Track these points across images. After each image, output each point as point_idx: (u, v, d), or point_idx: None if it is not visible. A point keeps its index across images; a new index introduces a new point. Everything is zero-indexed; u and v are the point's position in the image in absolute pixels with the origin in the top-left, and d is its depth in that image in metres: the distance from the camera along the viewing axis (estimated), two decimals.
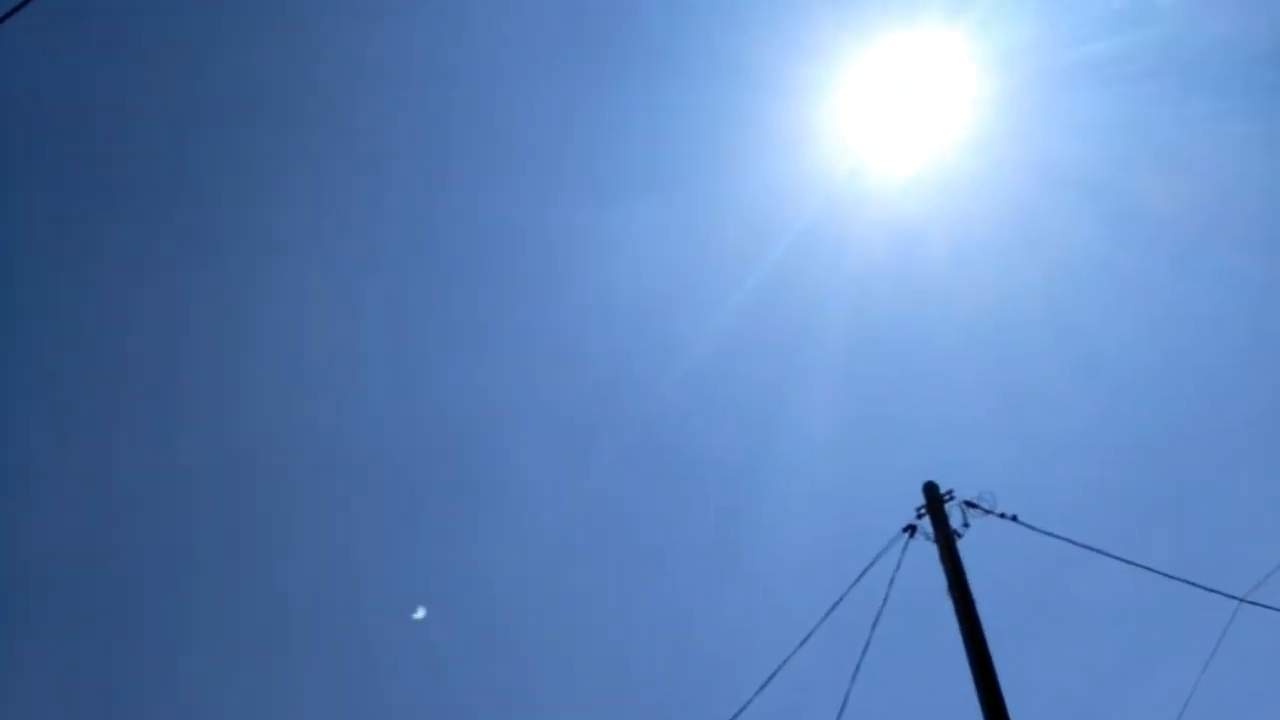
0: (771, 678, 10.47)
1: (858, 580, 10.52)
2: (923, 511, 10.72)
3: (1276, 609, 11.50)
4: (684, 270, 24.38)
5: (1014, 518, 10.67)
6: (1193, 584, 11.22)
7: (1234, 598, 11.55)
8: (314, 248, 24.89)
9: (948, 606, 10.12)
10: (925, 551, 11.03)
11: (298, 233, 24.84)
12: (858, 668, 10.40)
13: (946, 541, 10.30)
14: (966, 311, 22.86)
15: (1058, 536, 10.78)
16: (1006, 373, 23.20)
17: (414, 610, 22.48)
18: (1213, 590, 11.39)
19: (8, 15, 4.98)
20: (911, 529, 10.76)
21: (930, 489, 10.72)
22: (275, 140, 24.43)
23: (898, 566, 10.51)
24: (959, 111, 20.36)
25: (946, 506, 10.64)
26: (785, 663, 10.41)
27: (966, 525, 10.58)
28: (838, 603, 10.48)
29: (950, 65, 19.56)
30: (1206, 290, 21.83)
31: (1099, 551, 10.97)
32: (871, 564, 10.57)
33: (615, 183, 24.19)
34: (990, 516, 10.69)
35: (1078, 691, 19.69)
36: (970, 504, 10.63)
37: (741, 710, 10.58)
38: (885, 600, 10.47)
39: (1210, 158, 20.95)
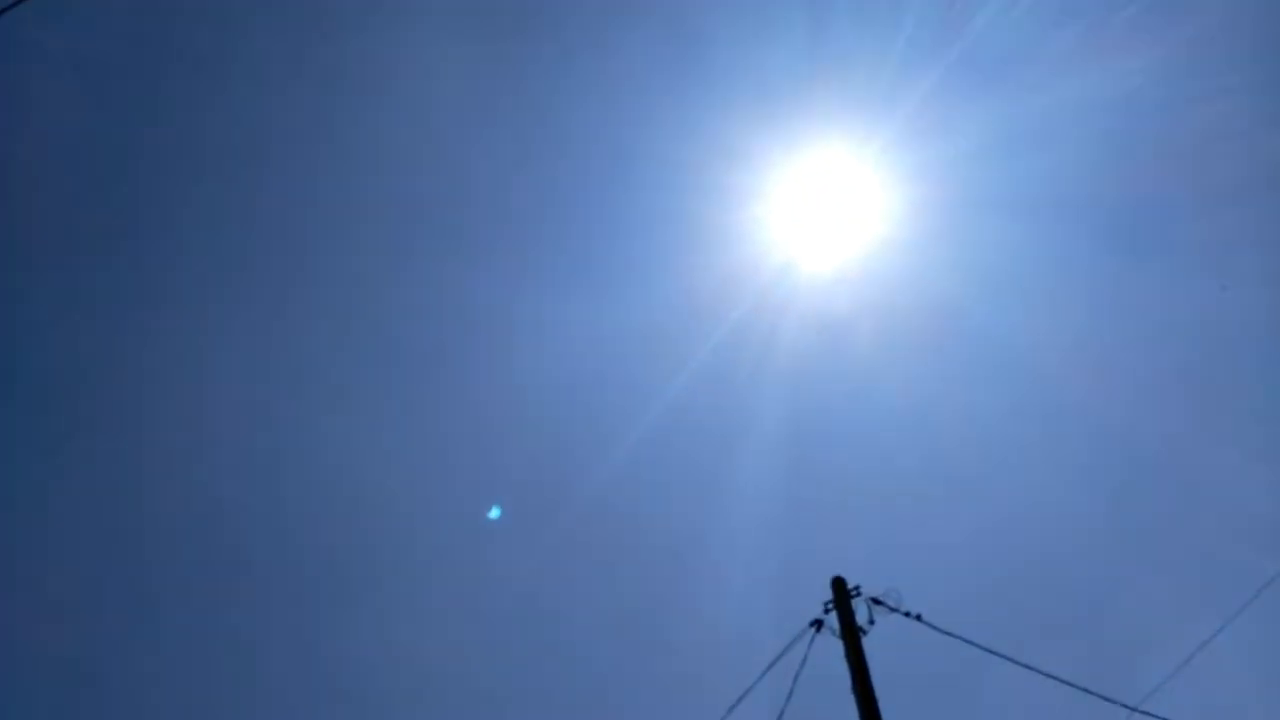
0: None
1: (761, 676, 10.42)
2: (830, 606, 10.74)
3: (1167, 719, 11.76)
4: (624, 357, 25.03)
5: (918, 617, 10.75)
6: (1088, 691, 11.41)
7: (1127, 706, 11.77)
8: (251, 312, 24.64)
9: (853, 704, 10.08)
10: (835, 646, 11.03)
11: (230, 297, 24.65)
12: None
13: (852, 638, 10.32)
14: (887, 399, 23.98)
15: (960, 638, 10.88)
16: (924, 463, 24.00)
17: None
18: (1107, 699, 11.60)
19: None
20: (818, 623, 10.75)
21: (838, 584, 10.78)
22: (217, 204, 24.36)
23: (803, 662, 10.46)
24: (878, 217, 22.49)
25: (853, 602, 10.69)
26: None
27: (872, 622, 10.62)
28: (740, 699, 10.33)
29: (868, 175, 21.84)
30: (1107, 389, 23.04)
31: (999, 655, 11.11)
32: (777, 659, 10.49)
33: (561, 272, 25.13)
34: (896, 614, 10.77)
35: None
36: (876, 600, 10.70)
37: None
38: (789, 696, 10.37)
39: (1104, 276, 22.77)
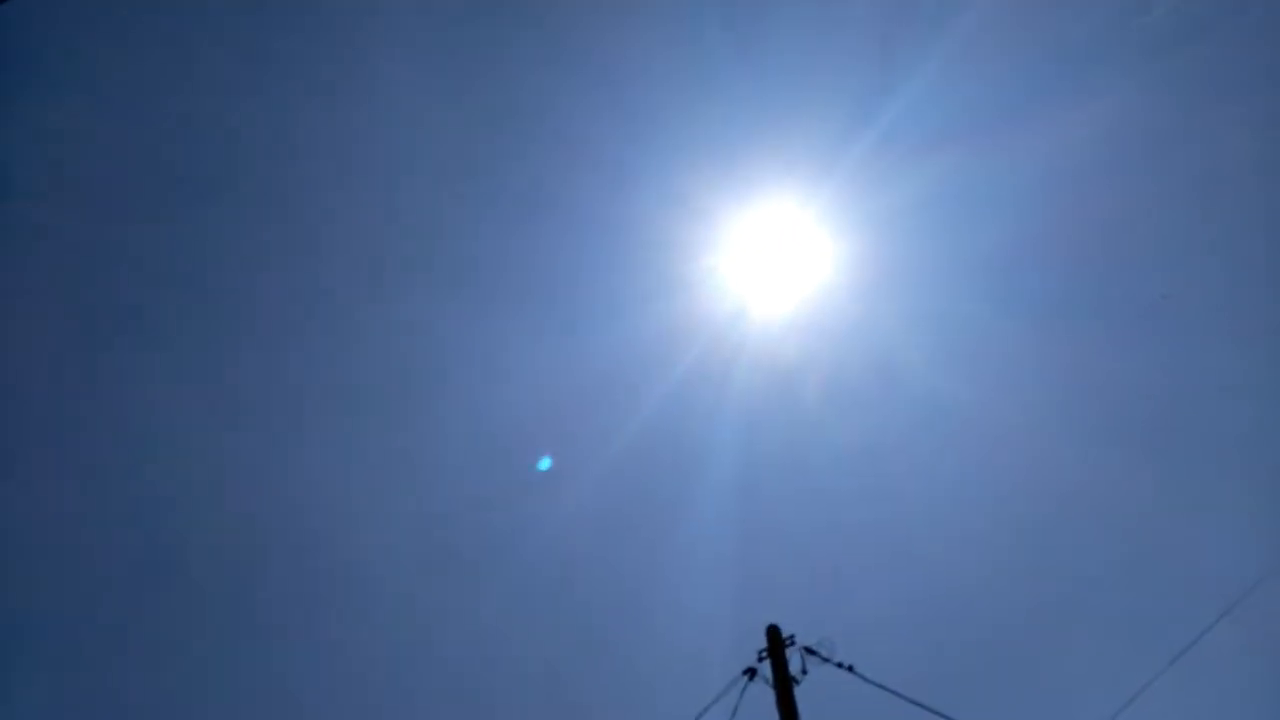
0: None
1: None
2: (764, 654, 10.71)
3: None
4: (579, 400, 25.16)
5: (850, 668, 10.77)
6: None
7: None
8: (184, 341, 24.27)
9: None
10: (767, 695, 10.96)
11: (167, 324, 24.26)
12: None
13: (784, 687, 10.29)
14: (833, 450, 24.37)
15: (890, 690, 10.91)
16: (867, 515, 24.22)
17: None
18: None
19: None
20: (752, 672, 10.70)
21: (772, 632, 10.76)
22: (168, 232, 24.12)
23: (734, 711, 10.39)
24: (825, 266, 23.35)
25: (787, 651, 10.68)
26: None
27: (805, 672, 10.61)
28: None
29: (816, 227, 22.83)
30: (1051, 443, 23.50)
31: (929, 709, 11.14)
32: (707, 708, 10.41)
33: (519, 319, 25.39)
34: (828, 665, 10.78)
35: None
36: (810, 650, 10.70)
37: None
38: None
39: (1046, 330, 23.53)
